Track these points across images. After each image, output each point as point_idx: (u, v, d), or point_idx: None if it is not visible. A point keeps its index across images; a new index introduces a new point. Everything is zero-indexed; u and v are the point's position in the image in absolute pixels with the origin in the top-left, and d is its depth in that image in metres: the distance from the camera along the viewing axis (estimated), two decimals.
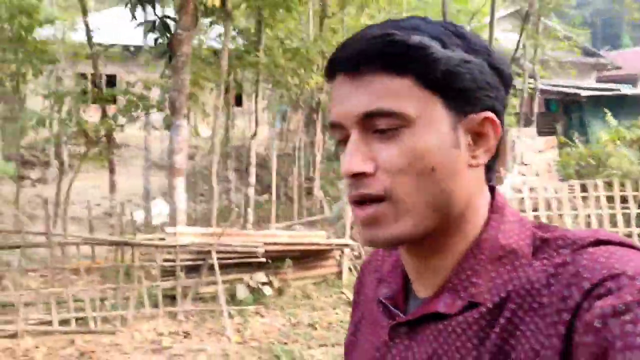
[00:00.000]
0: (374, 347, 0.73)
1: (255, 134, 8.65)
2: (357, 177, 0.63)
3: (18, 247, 4.97)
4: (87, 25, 8.32)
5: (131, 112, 7.45)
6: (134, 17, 6.25)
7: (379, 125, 0.62)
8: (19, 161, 14.23)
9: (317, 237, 6.19)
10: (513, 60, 10.74)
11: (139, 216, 9.02)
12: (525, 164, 7.76)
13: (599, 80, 18.06)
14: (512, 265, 0.63)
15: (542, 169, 7.96)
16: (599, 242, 0.60)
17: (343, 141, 0.67)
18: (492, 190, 0.70)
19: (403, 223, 0.63)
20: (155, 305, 5.35)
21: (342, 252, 6.40)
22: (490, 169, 0.69)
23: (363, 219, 0.64)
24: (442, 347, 0.63)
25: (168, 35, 6.45)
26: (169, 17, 6.48)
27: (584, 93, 13.43)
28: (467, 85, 0.63)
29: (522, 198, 7.23)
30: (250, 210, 8.56)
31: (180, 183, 6.88)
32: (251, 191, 8.64)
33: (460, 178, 0.64)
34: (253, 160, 8.55)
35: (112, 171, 8.22)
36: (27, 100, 17.30)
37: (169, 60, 6.53)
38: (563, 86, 13.69)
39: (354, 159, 0.63)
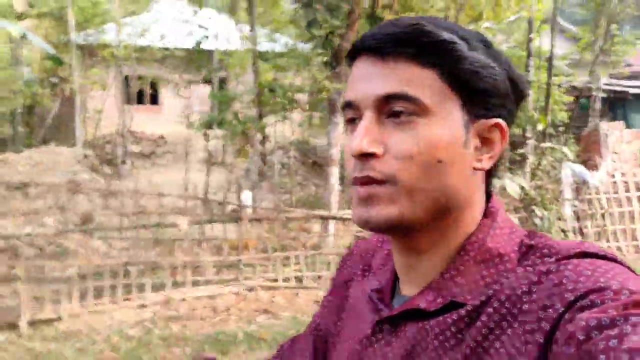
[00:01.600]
0: (357, 340, 0.74)
1: None
2: (364, 158, 0.64)
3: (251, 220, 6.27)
4: (253, 39, 9.58)
5: (283, 112, 8.73)
6: (309, 32, 7.54)
7: (395, 108, 0.63)
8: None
9: None
10: (594, 64, 12.04)
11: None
12: (616, 153, 9.09)
13: (612, 77, 19.03)
14: (496, 269, 0.64)
15: (629, 158, 9.28)
16: (584, 254, 0.60)
17: (352, 120, 0.68)
18: (488, 195, 0.71)
19: (399, 205, 0.63)
20: None
21: None
22: (491, 175, 0.70)
23: (361, 195, 0.65)
24: (420, 345, 0.64)
25: (332, 47, 7.74)
26: (333, 33, 7.76)
27: (632, 91, 14.73)
28: (486, 89, 0.65)
29: (615, 182, 8.53)
30: None
31: (335, 171, 8.17)
32: None
33: (463, 177, 0.65)
34: None
35: (265, 163, 9.48)
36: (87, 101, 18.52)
37: (332, 69, 7.81)
38: (615, 84, 14.95)
39: (364, 138, 0.63)
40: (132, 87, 17.25)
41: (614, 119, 15.97)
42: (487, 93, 0.65)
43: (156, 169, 15.98)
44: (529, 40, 9.77)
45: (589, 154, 9.22)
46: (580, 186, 8.30)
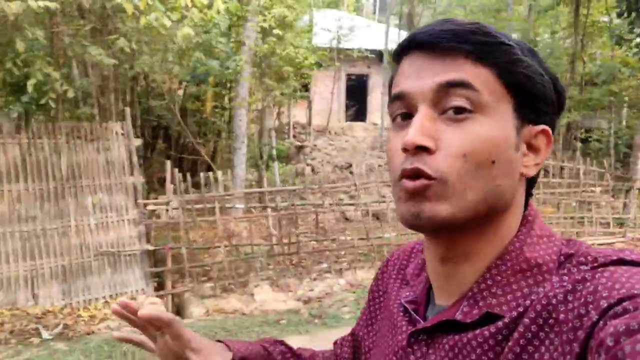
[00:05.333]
0: (393, 351, 0.73)
1: None
2: (418, 151, 0.62)
3: None
4: None
5: None
6: None
7: (454, 102, 0.62)
8: None
9: None
10: None
11: None
12: None
13: None
14: (534, 279, 0.63)
15: None
16: (621, 262, 0.59)
17: (403, 116, 0.66)
18: (526, 203, 0.70)
19: (450, 204, 0.62)
20: None
21: None
22: (532, 183, 0.70)
23: (412, 189, 0.62)
24: (458, 358, 0.63)
25: None
26: None
27: None
28: (537, 95, 0.65)
29: None
30: None
31: None
32: None
33: (512, 180, 0.65)
34: None
35: None
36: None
37: None
38: None
39: (420, 131, 0.62)
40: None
41: None
42: (537, 99, 0.65)
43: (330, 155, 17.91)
44: None
45: None
46: None
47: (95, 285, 6.25)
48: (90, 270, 6.25)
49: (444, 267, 0.69)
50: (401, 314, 0.75)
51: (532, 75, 0.64)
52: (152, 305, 0.75)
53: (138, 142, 6.78)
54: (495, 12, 17.67)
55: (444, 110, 0.63)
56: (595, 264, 0.59)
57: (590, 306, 0.54)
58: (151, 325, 0.75)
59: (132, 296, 6.28)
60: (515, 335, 0.59)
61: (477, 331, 0.62)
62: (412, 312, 0.73)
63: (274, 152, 10.80)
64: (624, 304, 0.51)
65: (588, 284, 0.56)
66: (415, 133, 0.62)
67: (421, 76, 0.64)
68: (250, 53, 9.82)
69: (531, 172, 0.67)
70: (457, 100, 0.62)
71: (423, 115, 0.63)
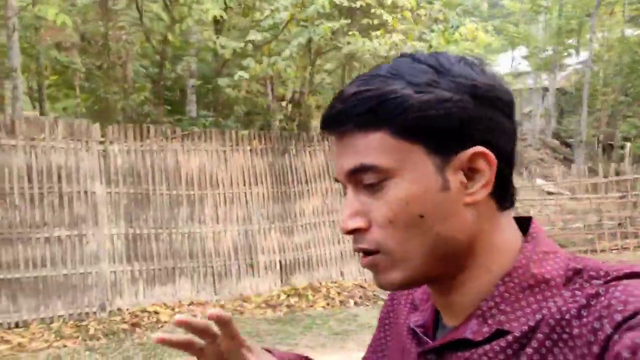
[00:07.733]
0: None
1: None
2: (354, 232, 0.66)
3: None
4: None
5: None
6: None
7: (365, 180, 0.64)
8: None
9: None
10: None
11: None
12: None
13: None
14: (542, 295, 0.63)
15: None
16: (633, 275, 0.59)
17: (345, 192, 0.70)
18: (528, 220, 0.70)
19: (399, 271, 0.65)
20: None
21: None
22: (503, 198, 0.67)
23: (365, 265, 0.68)
24: None
25: None
26: None
27: None
28: (447, 126, 0.63)
29: None
30: None
31: None
32: None
33: (455, 219, 0.64)
34: None
35: None
36: None
37: None
38: None
39: (347, 215, 0.66)
40: None
41: None
42: (449, 129, 0.63)
43: None
44: None
45: None
46: None
47: None
48: None
49: (443, 298, 0.70)
50: (410, 337, 0.76)
51: (428, 113, 0.62)
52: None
53: None
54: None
55: (362, 185, 0.65)
56: (608, 278, 0.59)
57: (605, 320, 0.54)
58: (205, 334, 0.72)
59: None
60: (529, 350, 0.60)
61: (487, 346, 0.63)
62: (422, 335, 0.73)
63: None
64: (639, 316, 0.52)
65: (602, 298, 0.56)
66: (346, 218, 0.65)
67: (337, 159, 0.67)
68: None
69: (479, 197, 0.64)
70: (365, 178, 0.64)
71: (350, 196, 0.66)
